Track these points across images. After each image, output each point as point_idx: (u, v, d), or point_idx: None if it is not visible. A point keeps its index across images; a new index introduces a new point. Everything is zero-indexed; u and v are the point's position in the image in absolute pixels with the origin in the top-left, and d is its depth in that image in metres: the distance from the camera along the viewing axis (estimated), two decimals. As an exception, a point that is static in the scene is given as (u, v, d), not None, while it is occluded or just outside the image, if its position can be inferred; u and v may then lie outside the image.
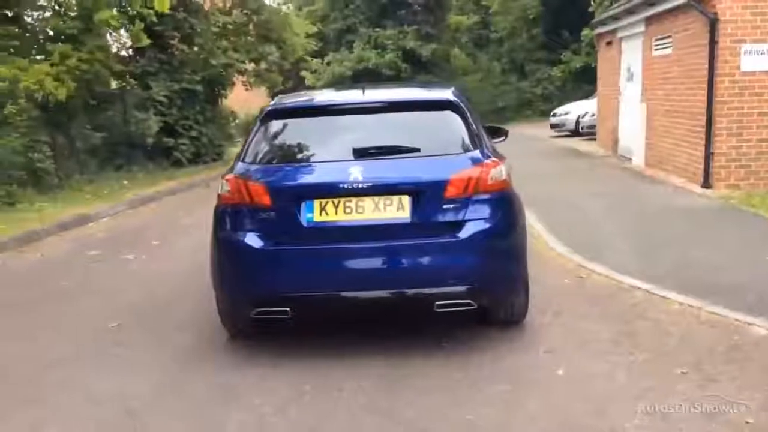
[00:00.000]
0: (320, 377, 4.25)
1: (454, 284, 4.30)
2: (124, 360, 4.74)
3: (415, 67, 33.99)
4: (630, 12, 14.05)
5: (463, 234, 4.30)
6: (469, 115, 4.76)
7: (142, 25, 14.84)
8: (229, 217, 4.49)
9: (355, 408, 3.85)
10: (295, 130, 4.77)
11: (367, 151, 4.45)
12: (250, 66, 20.03)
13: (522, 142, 21.22)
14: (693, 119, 10.91)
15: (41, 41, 14.87)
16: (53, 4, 15.10)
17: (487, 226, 4.37)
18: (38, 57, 14.28)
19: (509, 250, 4.55)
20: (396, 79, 33.23)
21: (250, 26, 20.95)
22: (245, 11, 20.89)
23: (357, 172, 4.30)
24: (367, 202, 4.30)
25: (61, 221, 9.89)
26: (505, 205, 4.50)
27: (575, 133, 21.29)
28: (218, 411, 3.88)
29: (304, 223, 4.30)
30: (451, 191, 4.30)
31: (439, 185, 4.31)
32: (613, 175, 12.74)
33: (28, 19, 15.13)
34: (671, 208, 8.93)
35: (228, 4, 20.88)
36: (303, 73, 34.88)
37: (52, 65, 13.89)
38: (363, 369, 4.33)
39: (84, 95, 14.80)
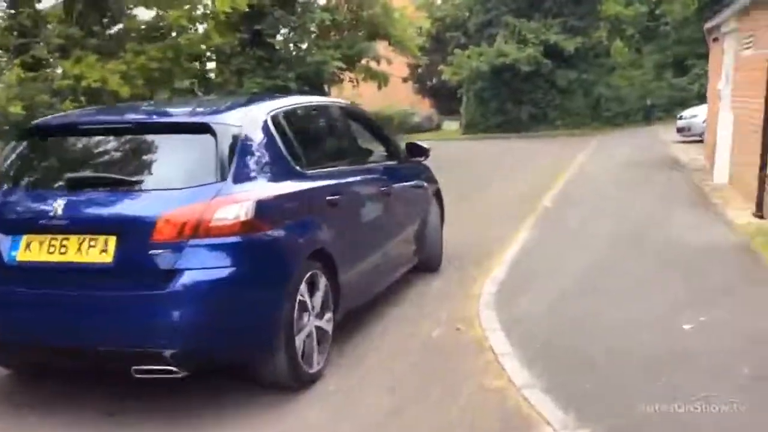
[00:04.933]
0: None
1: (155, 346, 3.68)
2: None
3: (558, 63, 32.13)
4: (727, 4, 12.10)
5: (174, 286, 3.67)
6: (247, 141, 4.10)
7: (213, 23, 15.10)
8: None
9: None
10: (36, 152, 4.39)
11: (82, 181, 3.95)
12: (338, 63, 19.70)
13: (625, 148, 19.44)
14: (757, 132, 9.11)
15: (119, 40, 15.59)
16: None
17: (208, 278, 3.72)
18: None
19: (244, 309, 3.84)
20: (534, 76, 31.71)
21: (354, 22, 20.76)
22: (351, 7, 20.75)
23: (61, 206, 3.82)
24: (72, 240, 3.80)
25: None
26: (241, 252, 3.80)
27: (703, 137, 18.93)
28: None
29: (6, 261, 3.88)
30: (161, 233, 3.69)
31: (148, 225, 3.71)
32: (670, 194, 11.05)
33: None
34: (680, 246, 7.42)
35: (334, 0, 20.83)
36: (441, 67, 34.35)
37: (125, 63, 14.49)
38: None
39: (153, 94, 15.31)
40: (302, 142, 4.61)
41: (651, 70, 33.76)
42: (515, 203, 10.90)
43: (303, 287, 4.18)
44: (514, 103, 32.23)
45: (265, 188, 4.05)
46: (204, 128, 4.02)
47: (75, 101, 13.35)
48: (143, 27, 16.19)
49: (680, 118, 21.02)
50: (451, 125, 37.33)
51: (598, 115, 32.09)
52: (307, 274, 4.23)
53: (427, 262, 6.66)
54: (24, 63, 13.98)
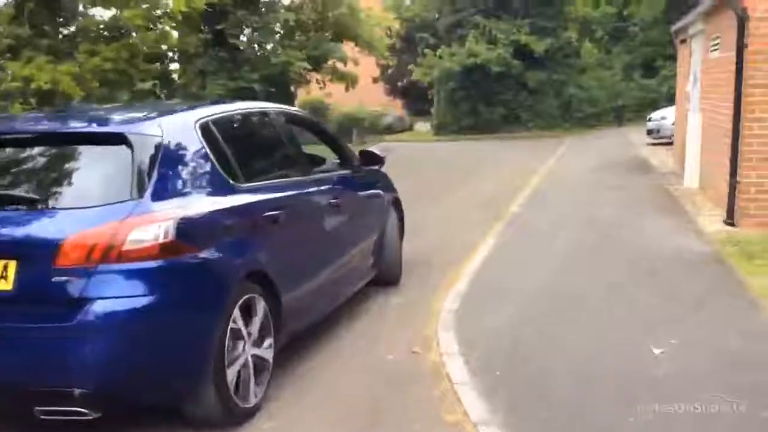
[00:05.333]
0: None
1: (63, 384, 3.25)
2: None
3: (529, 64, 31.95)
4: (693, 5, 11.88)
5: (83, 317, 3.24)
6: (170, 153, 3.68)
7: (170, 23, 14.62)
8: None
9: None
10: None
11: None
12: (303, 64, 19.25)
13: (596, 150, 19.25)
14: (727, 137, 8.86)
15: (73, 40, 15.04)
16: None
17: (122, 308, 3.29)
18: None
19: (166, 342, 3.42)
20: (504, 77, 31.51)
21: (319, 23, 20.35)
22: (316, 8, 20.33)
23: None
24: None
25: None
26: (161, 278, 3.38)
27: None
28: None
29: None
30: (66, 257, 3.25)
31: (51, 248, 3.27)
32: (640, 199, 10.77)
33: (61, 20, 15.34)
34: (649, 257, 7.08)
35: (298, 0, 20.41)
36: (411, 67, 34.05)
37: (77, 65, 13.96)
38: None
39: (111, 96, 14.80)
40: (237, 152, 4.19)
41: (620, 71, 33.75)
42: (484, 207, 10.57)
43: (236, 313, 3.76)
44: (485, 105, 32.00)
45: (190, 205, 3.62)
46: (119, 139, 3.58)
47: (25, 104, 12.81)
48: (100, 27, 15.63)
49: (649, 119, 20.92)
50: (424, 126, 37.03)
51: (569, 116, 31.96)
52: (242, 299, 3.82)
53: (386, 275, 6.27)
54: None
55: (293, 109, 5.35)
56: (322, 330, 5.10)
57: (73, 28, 15.99)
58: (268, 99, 19.10)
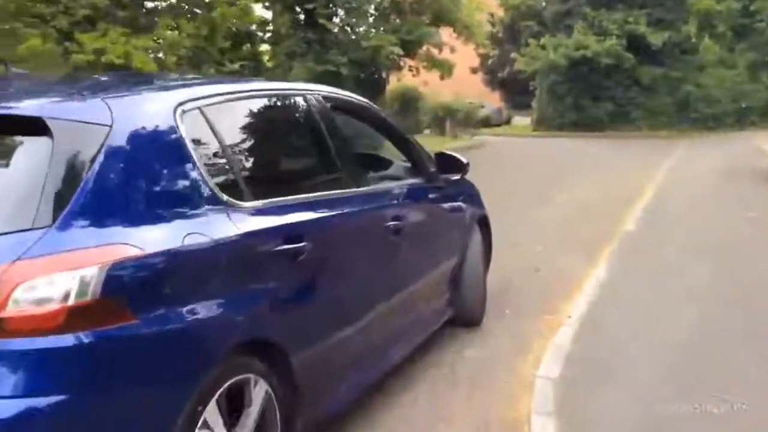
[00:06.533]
0: None
1: None
2: None
3: (643, 58, 29.49)
4: None
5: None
6: (120, 153, 2.32)
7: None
8: None
9: None
10: None
11: None
12: (395, 49, 17.81)
13: (719, 156, 16.99)
14: None
15: (154, 13, 14.21)
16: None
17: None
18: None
19: None
20: (615, 71, 29.24)
21: (416, 5, 18.91)
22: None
23: None
24: None
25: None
26: (68, 366, 2.03)
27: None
28: None
29: None
30: None
31: None
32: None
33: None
34: None
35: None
36: (513, 55, 32.28)
37: (153, 39, 13.15)
38: None
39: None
40: (242, 155, 2.83)
41: (744, 71, 30.71)
42: (589, 222, 8.90)
43: (212, 408, 2.39)
44: (591, 99, 29.86)
45: (143, 238, 2.25)
46: (33, 126, 2.23)
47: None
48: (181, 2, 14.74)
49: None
50: (523, 120, 35.17)
51: (685, 116, 29.39)
52: (224, 386, 2.44)
53: (463, 315, 4.78)
54: (46, 34, 12.72)
55: (340, 93, 3.83)
56: (357, 409, 3.62)
57: (153, 3, 15.16)
58: (356, 84, 17.99)
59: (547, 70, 30.72)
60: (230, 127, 2.83)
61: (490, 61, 36.72)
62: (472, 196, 5.00)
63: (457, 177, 4.50)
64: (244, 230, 2.61)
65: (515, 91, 36.31)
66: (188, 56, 13.97)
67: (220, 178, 2.64)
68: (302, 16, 18.51)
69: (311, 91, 3.55)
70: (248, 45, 18.56)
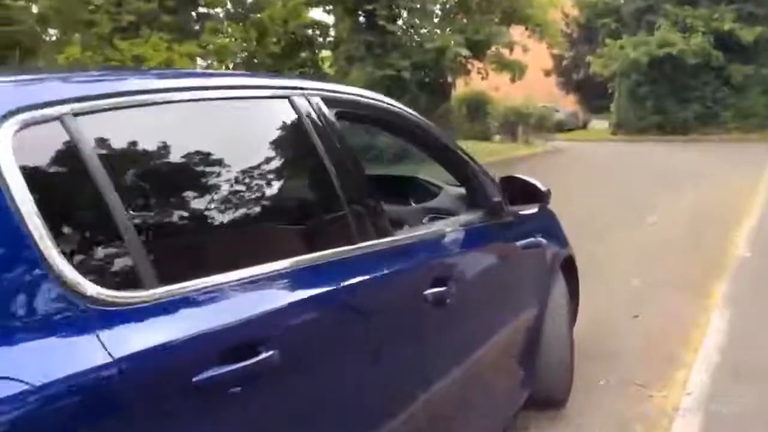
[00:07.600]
0: None
1: None
2: None
3: (733, 55, 27.29)
4: None
5: None
6: None
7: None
8: None
9: None
10: None
11: None
12: (461, 50, 16.49)
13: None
14: None
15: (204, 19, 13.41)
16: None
17: None
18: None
19: None
20: (702, 70, 27.20)
21: (485, 3, 17.59)
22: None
23: None
24: None
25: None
26: None
27: None
28: None
29: None
30: None
31: None
32: None
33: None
34: None
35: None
36: (589, 58, 30.59)
37: (199, 45, 12.32)
38: None
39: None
40: (145, 202, 1.62)
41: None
42: (689, 248, 7.38)
43: None
44: (675, 101, 27.84)
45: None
46: None
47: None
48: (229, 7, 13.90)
49: None
50: (600, 124, 33.31)
51: (781, 118, 27.07)
52: None
53: (540, 390, 3.46)
54: (86, 42, 12.08)
55: (355, 93, 2.51)
56: None
57: (204, 9, 14.36)
58: (419, 89, 16.78)
59: (626, 71, 28.88)
60: (128, 154, 1.61)
61: (564, 63, 34.91)
62: (551, 230, 3.67)
63: (532, 211, 3.17)
64: (120, 354, 1.38)
65: (592, 93, 34.46)
66: (237, 63, 13.11)
67: (88, 252, 1.44)
68: (362, 19, 17.48)
69: (305, 90, 2.18)
70: (306, 52, 17.64)
